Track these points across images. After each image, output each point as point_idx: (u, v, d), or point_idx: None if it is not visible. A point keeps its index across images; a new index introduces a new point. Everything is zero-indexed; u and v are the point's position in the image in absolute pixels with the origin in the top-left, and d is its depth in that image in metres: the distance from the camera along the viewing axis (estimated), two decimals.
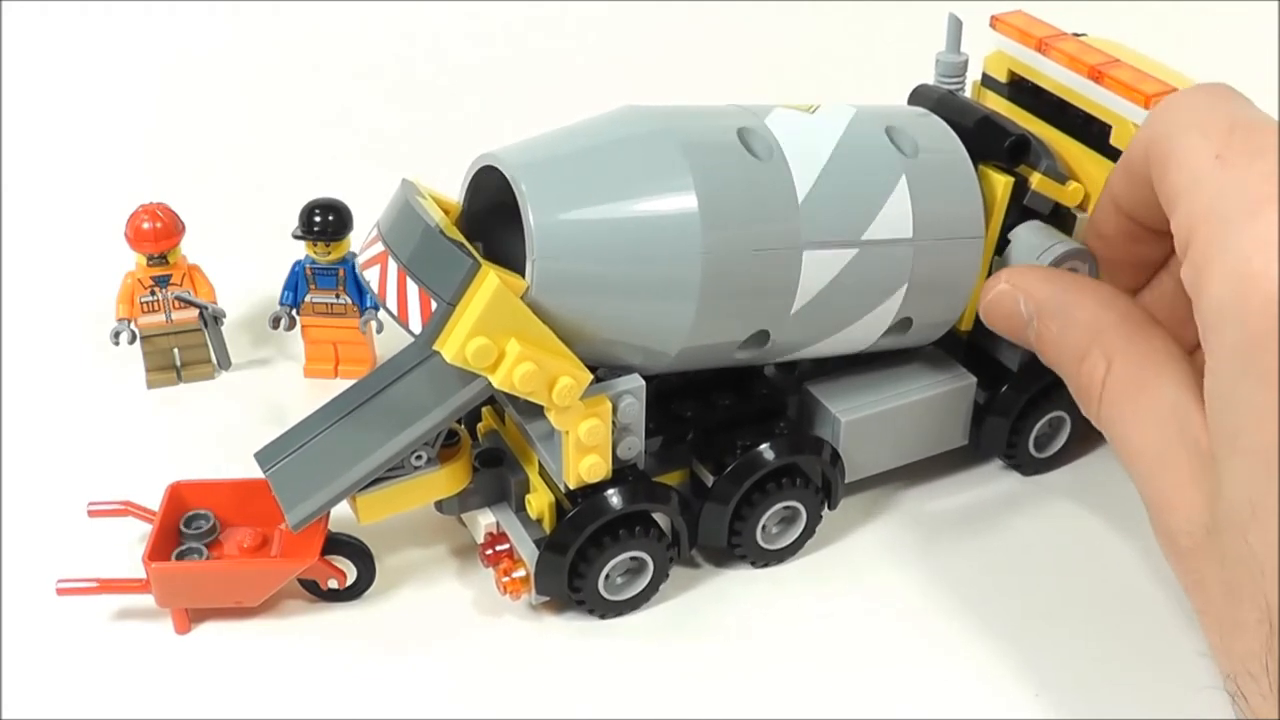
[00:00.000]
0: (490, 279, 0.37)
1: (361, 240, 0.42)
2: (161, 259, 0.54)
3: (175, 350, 0.55)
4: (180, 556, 0.43)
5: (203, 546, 0.43)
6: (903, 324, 0.44)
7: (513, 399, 0.41)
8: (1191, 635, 0.41)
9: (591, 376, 0.39)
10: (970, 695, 0.40)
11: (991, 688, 0.41)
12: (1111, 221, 0.40)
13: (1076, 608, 0.44)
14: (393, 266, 0.39)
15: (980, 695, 0.40)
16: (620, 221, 0.38)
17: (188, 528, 0.44)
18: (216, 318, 0.55)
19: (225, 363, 0.56)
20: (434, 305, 0.37)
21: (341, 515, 0.42)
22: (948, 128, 0.45)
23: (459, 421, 0.42)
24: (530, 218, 0.37)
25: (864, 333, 0.44)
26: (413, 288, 0.38)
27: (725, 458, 0.43)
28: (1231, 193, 0.31)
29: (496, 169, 0.39)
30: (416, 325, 0.38)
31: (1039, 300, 0.39)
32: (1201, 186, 0.32)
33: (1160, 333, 0.36)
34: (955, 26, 0.50)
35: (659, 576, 0.43)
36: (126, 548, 0.45)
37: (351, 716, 0.40)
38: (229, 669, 0.41)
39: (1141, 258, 0.40)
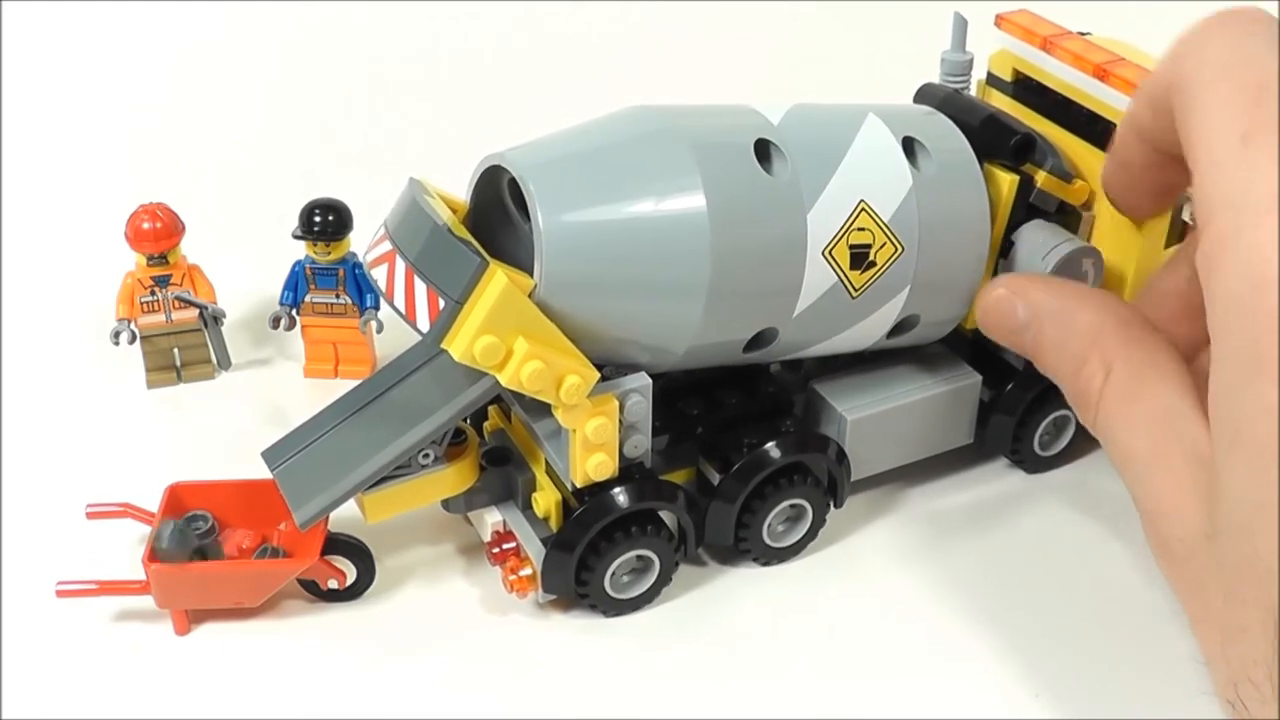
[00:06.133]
0: (499, 277, 0.37)
1: (363, 240, 0.42)
2: (161, 259, 0.54)
3: (175, 350, 0.55)
4: (197, 553, 0.42)
5: (214, 543, 0.43)
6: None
7: (520, 397, 0.41)
8: (1192, 637, 0.41)
9: (599, 375, 0.39)
10: (973, 694, 0.40)
11: (994, 686, 0.41)
12: (1135, 150, 0.38)
13: (1080, 607, 0.44)
14: (400, 265, 0.39)
15: (983, 694, 0.40)
16: (628, 222, 0.38)
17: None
18: (216, 318, 0.55)
19: (225, 363, 0.56)
20: (442, 304, 0.37)
21: (343, 515, 0.42)
22: (954, 126, 0.45)
23: (466, 420, 0.42)
24: (539, 218, 0.37)
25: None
26: (420, 286, 0.38)
27: (732, 456, 0.43)
28: (1252, 185, 0.30)
29: (504, 169, 0.39)
30: (424, 324, 0.38)
31: (1037, 305, 0.38)
32: (1222, 169, 0.31)
33: (1159, 340, 0.36)
34: (960, 25, 0.50)
35: (665, 574, 0.43)
36: (126, 549, 0.45)
37: (354, 716, 0.39)
38: (229, 669, 0.41)
39: (1165, 183, 0.39)
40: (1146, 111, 0.37)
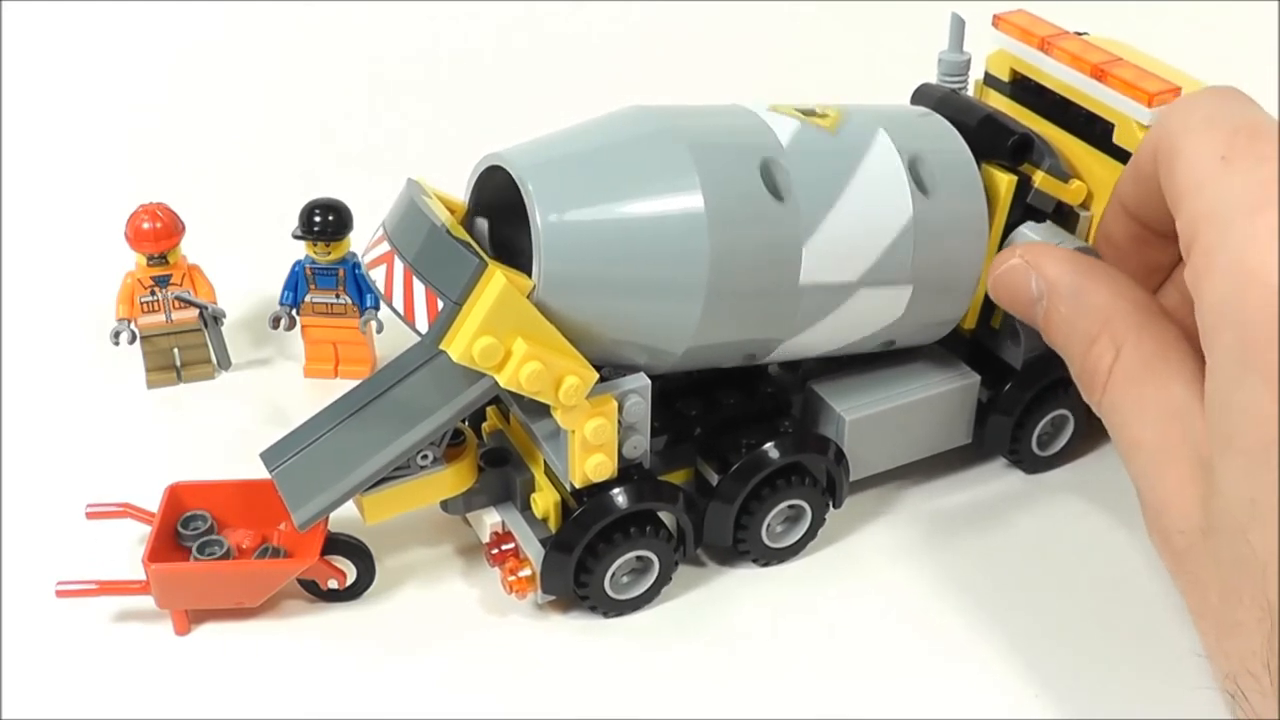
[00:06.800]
0: (497, 278, 0.37)
1: (362, 240, 0.42)
2: (161, 259, 0.54)
3: (175, 350, 0.55)
4: (201, 550, 0.43)
5: (223, 539, 0.43)
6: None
7: (518, 398, 0.41)
8: (1192, 634, 0.41)
9: (597, 376, 0.39)
10: (972, 693, 0.40)
11: (994, 686, 0.41)
12: (1121, 226, 0.40)
13: (1079, 606, 0.44)
14: (399, 266, 0.39)
15: (982, 694, 0.40)
16: (626, 222, 0.38)
17: (185, 529, 0.44)
18: (216, 318, 0.55)
19: (225, 363, 0.56)
20: (440, 304, 0.37)
21: (343, 515, 0.42)
22: (951, 127, 0.45)
23: (464, 421, 0.42)
24: (537, 218, 0.37)
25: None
26: (419, 287, 0.38)
27: (730, 456, 0.43)
28: (1234, 195, 0.31)
29: (502, 169, 0.39)
30: (423, 324, 0.38)
31: (1051, 279, 0.38)
32: (1205, 188, 0.32)
33: (1172, 327, 0.36)
34: (958, 25, 0.50)
35: (664, 575, 0.43)
36: (126, 549, 0.45)
37: (353, 716, 0.40)
38: (229, 669, 0.41)
39: (1151, 262, 0.40)
40: (1132, 182, 0.38)
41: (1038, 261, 0.39)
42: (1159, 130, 0.35)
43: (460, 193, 0.41)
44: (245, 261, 0.59)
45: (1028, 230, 0.45)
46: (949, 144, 0.44)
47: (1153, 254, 0.40)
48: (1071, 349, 0.37)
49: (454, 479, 0.42)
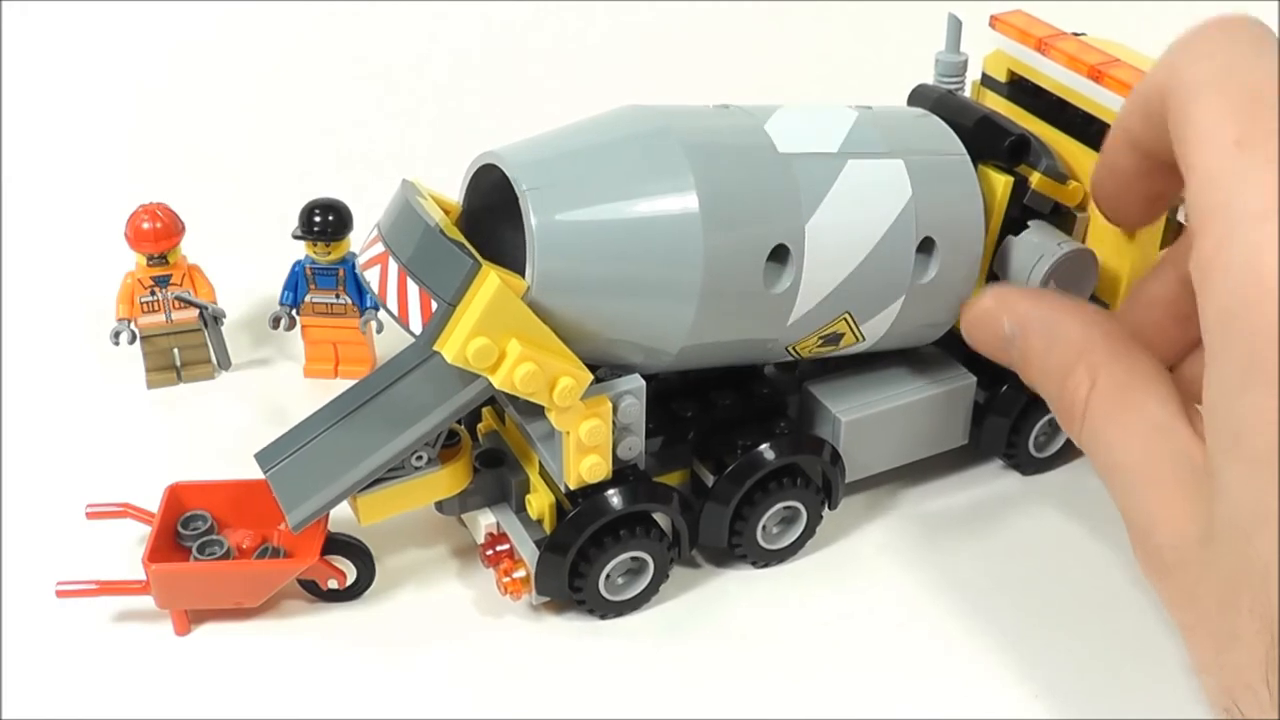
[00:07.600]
0: (491, 279, 0.37)
1: (361, 240, 0.42)
2: (161, 259, 0.54)
3: (175, 350, 0.55)
4: (201, 550, 0.43)
5: (223, 539, 0.43)
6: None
7: (513, 399, 0.41)
8: None
9: (592, 377, 0.39)
10: (969, 695, 0.40)
11: (991, 688, 0.41)
12: (1125, 157, 0.38)
13: (1076, 608, 0.44)
14: (393, 267, 0.39)
15: (979, 695, 0.40)
16: (621, 222, 0.38)
17: (185, 529, 0.44)
18: (216, 318, 0.55)
19: (225, 363, 0.56)
20: (434, 306, 0.37)
21: (342, 515, 0.42)
22: (947, 128, 0.45)
23: (459, 422, 0.42)
24: (531, 217, 0.37)
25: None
26: (413, 288, 0.38)
27: (726, 457, 0.43)
28: (1246, 191, 0.30)
29: (497, 168, 0.39)
30: (417, 326, 0.38)
31: (1024, 315, 0.38)
32: (1216, 176, 0.31)
33: (1144, 351, 0.36)
34: (955, 26, 0.50)
35: (659, 577, 0.43)
36: (126, 549, 0.45)
37: (351, 716, 0.40)
38: (229, 669, 0.41)
39: (1155, 191, 0.39)
40: (1138, 118, 0.36)
41: (1009, 301, 0.39)
42: (1169, 71, 0.33)
43: (457, 192, 0.41)
44: (245, 261, 0.59)
45: (1026, 231, 0.45)
46: (945, 145, 0.44)
47: (1158, 183, 0.38)
48: (1048, 383, 0.37)
49: (449, 480, 0.42)
